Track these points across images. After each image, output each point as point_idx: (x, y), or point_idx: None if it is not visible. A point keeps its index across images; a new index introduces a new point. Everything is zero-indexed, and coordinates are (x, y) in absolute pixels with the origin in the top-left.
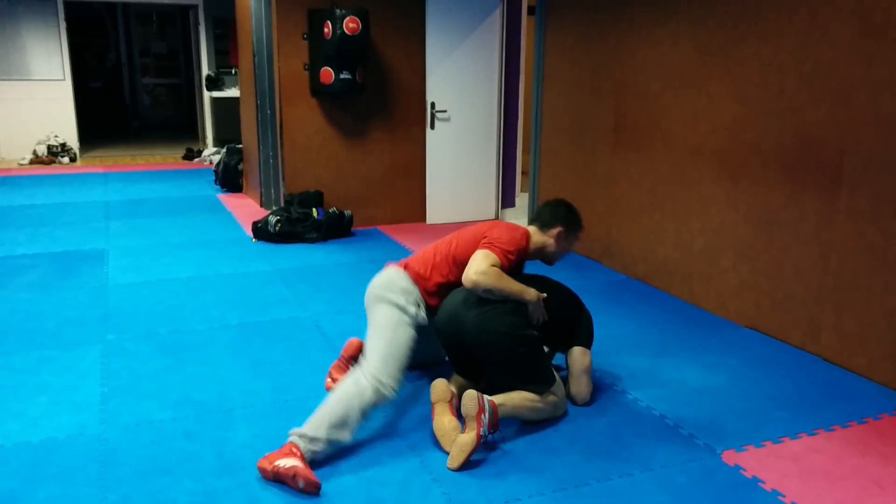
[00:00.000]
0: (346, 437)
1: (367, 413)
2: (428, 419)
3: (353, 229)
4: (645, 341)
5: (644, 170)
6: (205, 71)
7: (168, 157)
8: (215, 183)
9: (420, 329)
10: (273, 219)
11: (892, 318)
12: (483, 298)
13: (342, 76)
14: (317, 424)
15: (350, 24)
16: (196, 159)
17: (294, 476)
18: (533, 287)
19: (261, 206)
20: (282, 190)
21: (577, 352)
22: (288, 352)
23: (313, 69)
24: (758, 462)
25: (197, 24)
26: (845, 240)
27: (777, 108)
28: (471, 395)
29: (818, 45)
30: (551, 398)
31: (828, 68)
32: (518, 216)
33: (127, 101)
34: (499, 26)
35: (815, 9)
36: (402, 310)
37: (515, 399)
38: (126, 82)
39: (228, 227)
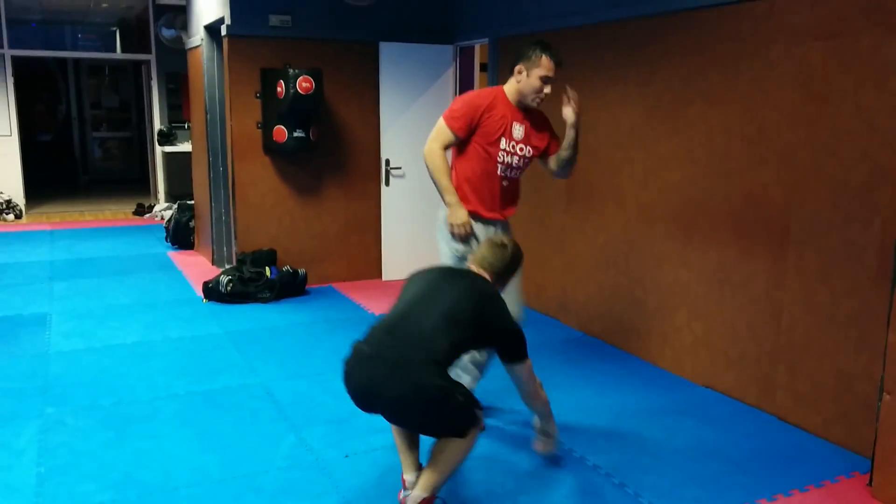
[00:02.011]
0: None
1: None
2: None
3: (307, 287)
4: (603, 403)
5: (597, 227)
6: (157, 125)
7: (118, 213)
8: (166, 240)
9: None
10: (224, 278)
11: (843, 378)
12: (399, 364)
13: (295, 134)
14: None
15: (303, 84)
16: (147, 215)
17: None
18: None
19: (213, 263)
20: (234, 248)
21: (518, 367)
22: (237, 422)
23: (266, 127)
24: None
25: (149, 78)
26: (795, 299)
27: (724, 168)
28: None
29: (762, 108)
30: (473, 432)
31: (772, 131)
32: None
33: (76, 155)
34: (452, 83)
35: (757, 74)
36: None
37: (446, 466)
38: (76, 135)
39: (178, 287)
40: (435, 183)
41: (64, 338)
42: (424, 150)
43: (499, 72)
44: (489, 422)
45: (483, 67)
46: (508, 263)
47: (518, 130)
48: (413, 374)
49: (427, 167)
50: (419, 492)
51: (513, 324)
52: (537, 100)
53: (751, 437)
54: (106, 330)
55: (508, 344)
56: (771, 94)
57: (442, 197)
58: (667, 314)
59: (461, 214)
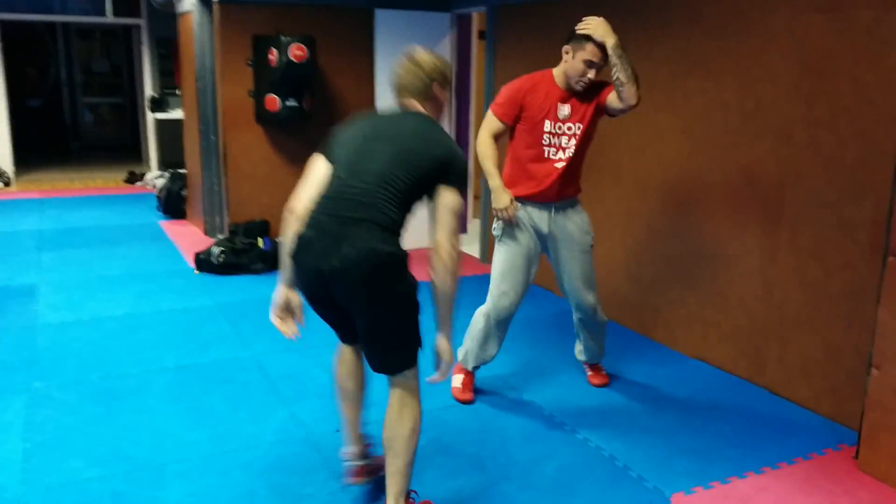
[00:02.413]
0: None
1: None
2: None
3: None
4: None
5: (594, 200)
6: (148, 92)
7: (109, 181)
8: (158, 209)
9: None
10: (216, 250)
11: (833, 353)
12: (355, 224)
13: (288, 104)
14: None
15: (296, 52)
16: (139, 183)
17: None
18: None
19: (205, 233)
20: (226, 218)
21: (444, 190)
22: (227, 397)
23: (258, 96)
24: None
25: (140, 43)
26: (788, 274)
27: (721, 142)
28: None
29: (760, 82)
30: (413, 385)
31: (769, 106)
32: (470, 242)
33: (67, 121)
34: (449, 52)
35: (756, 48)
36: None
37: (403, 461)
38: (66, 101)
39: (170, 257)
40: (485, 173)
41: (52, 310)
42: (476, 140)
43: (496, 41)
44: (481, 392)
45: (481, 35)
46: (429, 75)
47: (564, 110)
48: (358, 242)
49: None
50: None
51: (452, 147)
52: (581, 83)
53: (741, 410)
54: (95, 302)
55: (445, 169)
56: (769, 67)
57: (488, 182)
58: (661, 287)
59: (503, 198)
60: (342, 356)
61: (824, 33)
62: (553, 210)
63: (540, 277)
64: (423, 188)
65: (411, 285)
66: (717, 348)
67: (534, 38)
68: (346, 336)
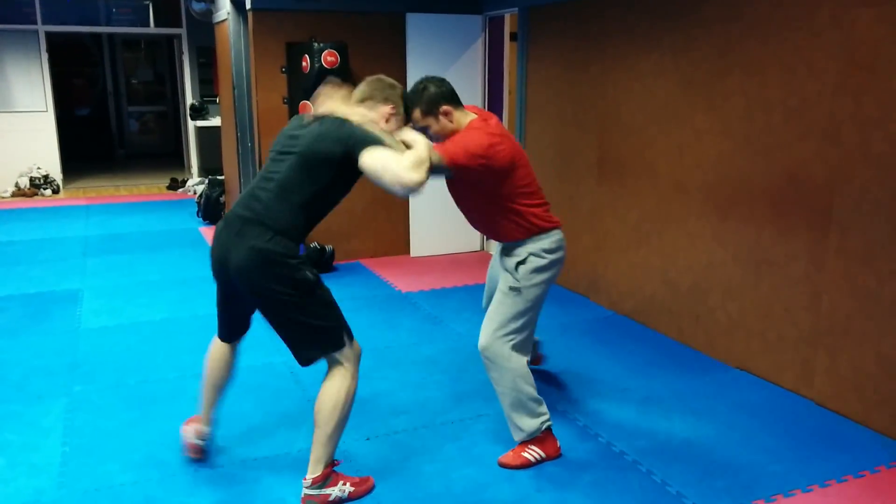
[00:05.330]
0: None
1: None
2: None
3: (335, 264)
4: (632, 385)
5: (629, 204)
6: (189, 100)
7: (152, 188)
8: (197, 215)
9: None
10: None
11: (887, 364)
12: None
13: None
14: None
15: (329, 58)
16: (181, 189)
17: None
18: None
19: None
20: None
21: (360, 157)
22: (259, 403)
23: (292, 103)
24: None
25: (181, 52)
26: (837, 281)
27: (763, 143)
28: None
29: (804, 79)
30: (339, 363)
31: (815, 103)
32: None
33: (113, 129)
34: (481, 54)
35: (799, 43)
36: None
37: (328, 430)
38: (112, 109)
39: (207, 263)
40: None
41: (94, 315)
42: None
43: (528, 42)
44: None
45: (513, 37)
46: (385, 88)
47: None
48: (249, 240)
49: None
50: (308, 475)
51: (352, 130)
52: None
53: (787, 424)
54: (135, 307)
55: (348, 143)
56: (814, 64)
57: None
58: (700, 294)
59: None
60: (215, 350)
61: (872, 27)
62: (500, 252)
63: (576, 282)
64: (330, 181)
65: (301, 281)
66: (762, 358)
67: (566, 39)
68: (223, 331)
